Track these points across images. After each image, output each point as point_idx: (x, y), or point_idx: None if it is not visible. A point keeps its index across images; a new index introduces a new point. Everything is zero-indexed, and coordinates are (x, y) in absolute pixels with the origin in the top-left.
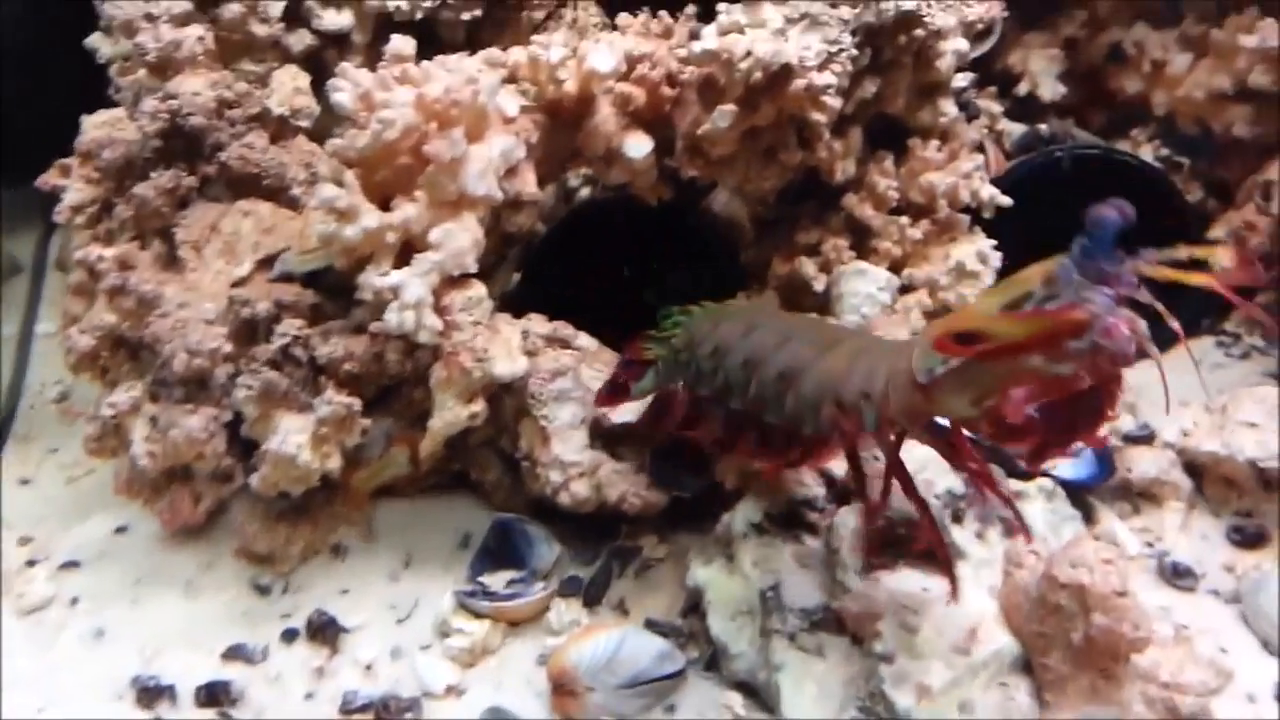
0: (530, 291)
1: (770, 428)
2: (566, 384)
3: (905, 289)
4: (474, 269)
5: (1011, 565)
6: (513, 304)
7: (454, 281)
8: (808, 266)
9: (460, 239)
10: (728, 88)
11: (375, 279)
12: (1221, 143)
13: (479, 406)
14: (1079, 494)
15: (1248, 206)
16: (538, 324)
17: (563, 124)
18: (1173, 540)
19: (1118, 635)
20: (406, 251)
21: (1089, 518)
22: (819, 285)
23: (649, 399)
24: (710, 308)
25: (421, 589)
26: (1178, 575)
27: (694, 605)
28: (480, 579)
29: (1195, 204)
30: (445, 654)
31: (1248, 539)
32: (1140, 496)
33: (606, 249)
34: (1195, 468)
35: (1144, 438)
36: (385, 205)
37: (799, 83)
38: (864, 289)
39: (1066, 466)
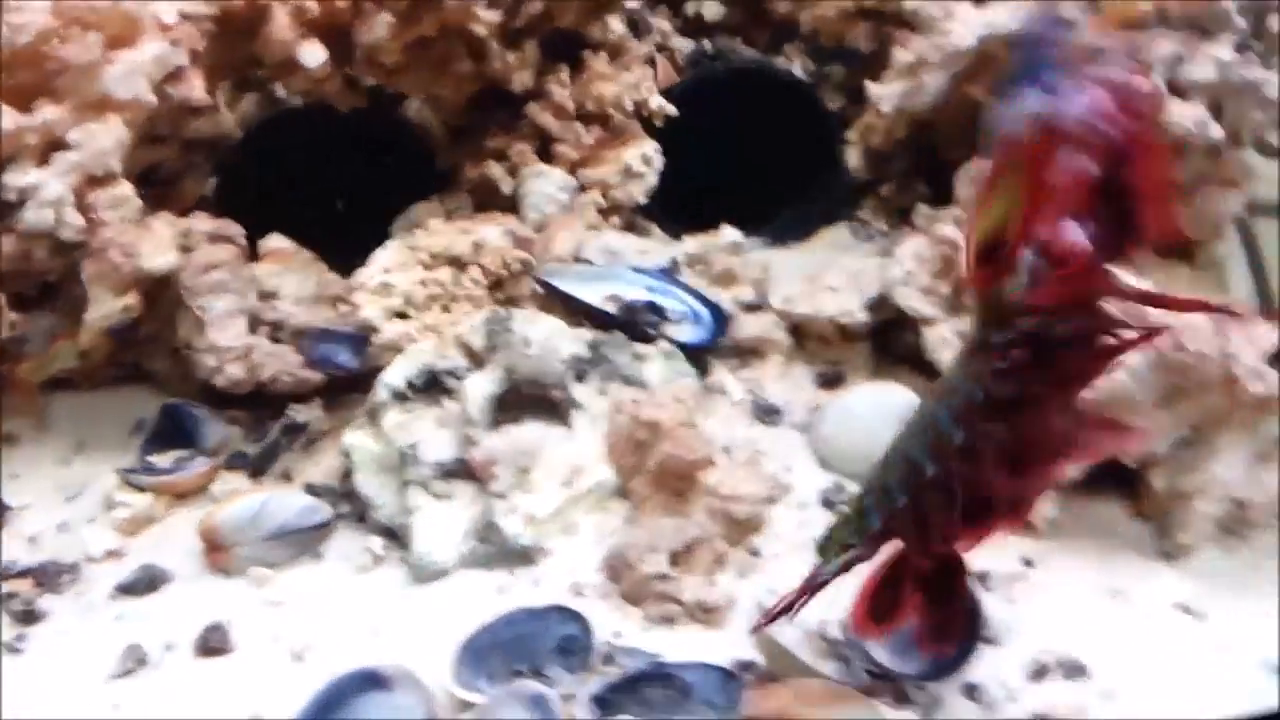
0: (227, 197)
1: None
2: (222, 276)
3: (583, 189)
4: (118, 169)
5: (614, 410)
6: (210, 209)
7: (98, 180)
8: (495, 170)
9: (102, 140)
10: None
11: (14, 178)
12: (861, 55)
13: (132, 299)
14: (697, 354)
15: (870, 110)
16: (201, 222)
17: (236, 32)
18: (771, 386)
19: (679, 458)
20: (54, 153)
21: (705, 373)
22: (506, 188)
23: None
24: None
25: (92, 472)
26: (767, 413)
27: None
28: (149, 458)
29: (838, 110)
30: (109, 524)
31: (829, 381)
32: (749, 353)
33: (303, 155)
34: (797, 327)
35: (759, 306)
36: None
37: None
38: (543, 189)
39: (685, 330)
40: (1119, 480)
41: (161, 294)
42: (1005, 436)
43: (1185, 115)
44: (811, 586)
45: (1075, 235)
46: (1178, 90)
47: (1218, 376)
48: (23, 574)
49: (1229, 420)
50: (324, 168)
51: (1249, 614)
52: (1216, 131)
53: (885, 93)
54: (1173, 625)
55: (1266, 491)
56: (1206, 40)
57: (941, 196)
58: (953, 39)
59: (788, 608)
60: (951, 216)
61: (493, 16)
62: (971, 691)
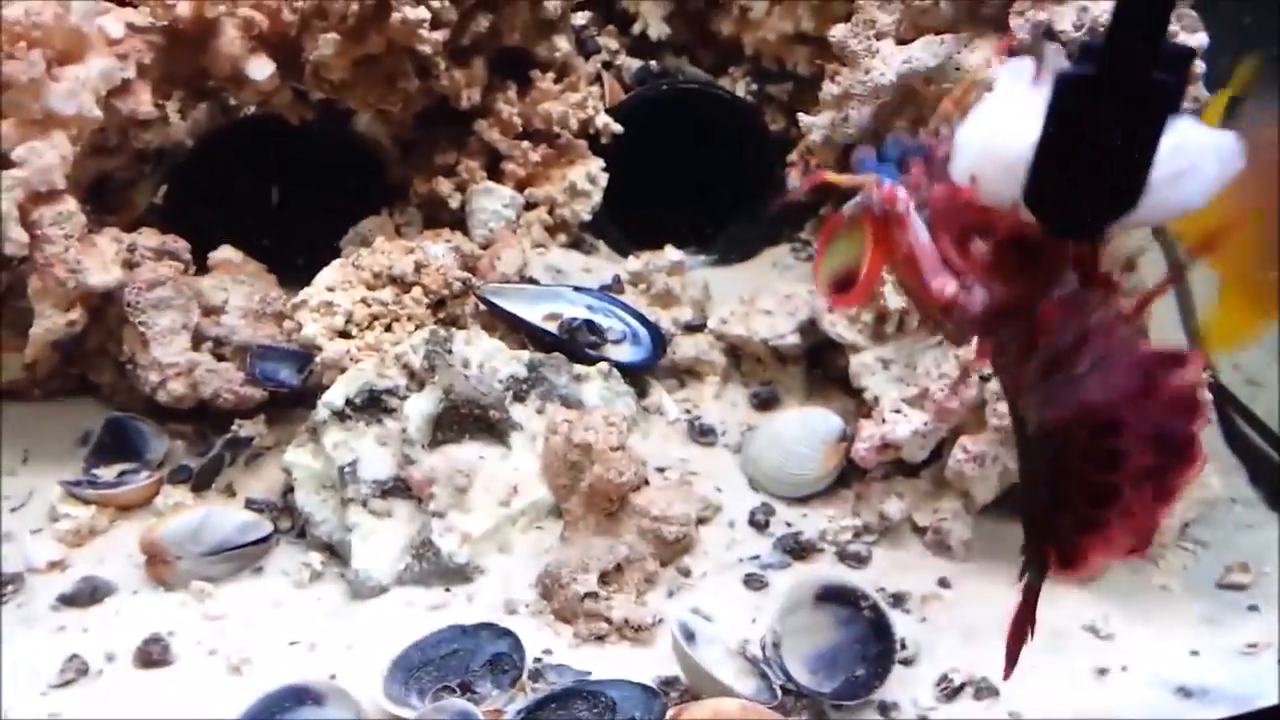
0: (178, 206)
1: None
2: (166, 292)
3: (530, 206)
4: (62, 184)
5: (549, 432)
6: (161, 218)
7: (43, 197)
8: (444, 185)
9: (47, 156)
10: (331, 17)
11: None
12: (802, 78)
13: (77, 314)
14: (635, 374)
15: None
16: (147, 237)
17: (185, 46)
18: (707, 407)
19: (609, 481)
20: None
21: (643, 393)
22: (454, 203)
23: None
24: None
25: (38, 482)
26: (702, 434)
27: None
28: (94, 471)
29: (779, 132)
30: (53, 536)
31: (763, 402)
32: (686, 373)
33: (254, 165)
34: (734, 349)
35: (698, 327)
36: None
37: (396, 15)
38: (491, 206)
39: (624, 350)
40: None
41: (107, 309)
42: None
43: None
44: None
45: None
46: None
47: None
48: None
49: None
50: (275, 179)
51: (1156, 636)
52: None
53: (816, 122)
54: (1081, 646)
55: (1174, 515)
56: None
57: None
58: (875, 74)
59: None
60: None
61: (438, 35)
62: (885, 710)
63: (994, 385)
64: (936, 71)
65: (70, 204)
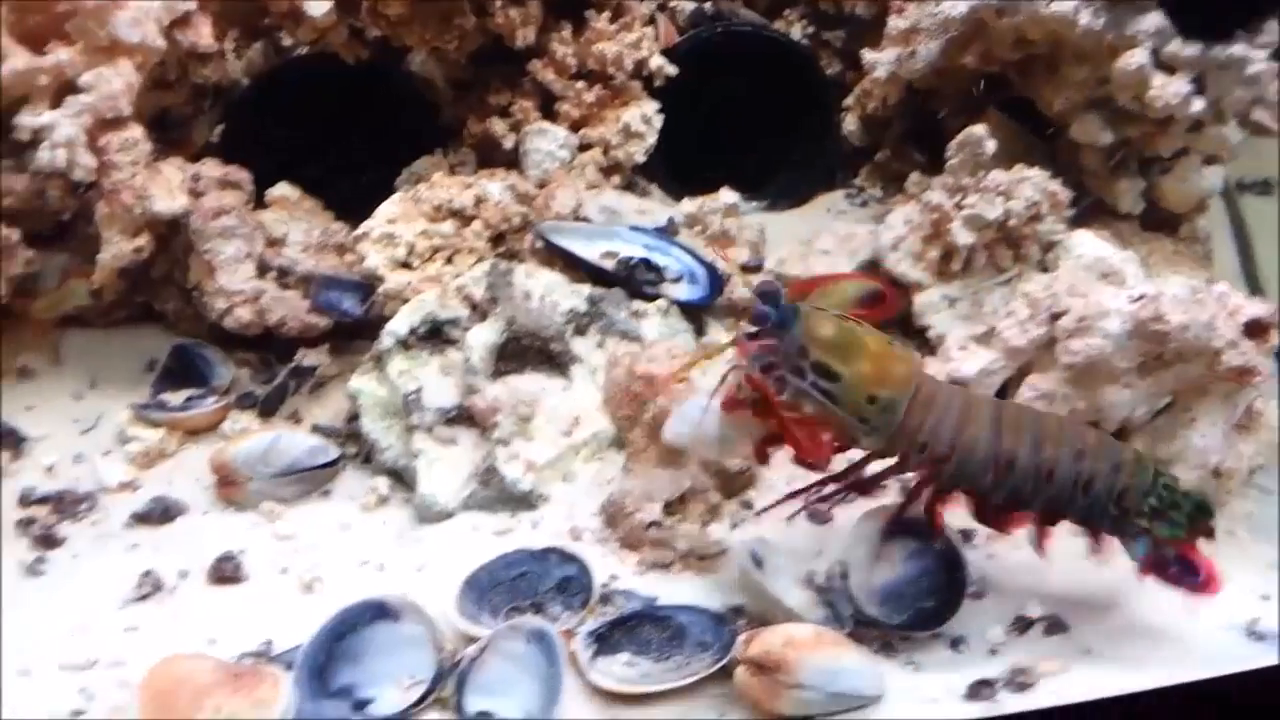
0: (234, 142)
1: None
2: (230, 221)
3: (584, 147)
4: (128, 111)
5: (611, 364)
6: (218, 153)
7: (110, 123)
8: (498, 125)
9: (114, 83)
10: None
11: (28, 118)
12: (862, 20)
13: (144, 240)
14: (694, 311)
15: (867, 76)
16: (210, 167)
17: None
18: None
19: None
20: (67, 95)
21: (700, 331)
22: (508, 143)
23: None
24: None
25: (106, 406)
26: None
27: (356, 412)
28: (161, 396)
29: (836, 76)
30: (124, 457)
31: None
32: (744, 313)
33: (310, 104)
34: None
35: (756, 267)
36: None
37: None
38: (545, 146)
39: (681, 289)
40: None
41: (173, 236)
42: None
43: (1169, 89)
44: None
45: None
46: (1164, 65)
47: (1197, 347)
48: (42, 500)
49: (1207, 390)
50: (330, 118)
51: (1224, 580)
52: (1198, 106)
53: (880, 59)
54: (1149, 587)
55: (1242, 460)
56: None
57: (936, 164)
58: (945, 6)
59: None
60: (942, 184)
61: None
62: (955, 644)
63: (1063, 323)
64: (1008, 3)
65: (136, 131)
